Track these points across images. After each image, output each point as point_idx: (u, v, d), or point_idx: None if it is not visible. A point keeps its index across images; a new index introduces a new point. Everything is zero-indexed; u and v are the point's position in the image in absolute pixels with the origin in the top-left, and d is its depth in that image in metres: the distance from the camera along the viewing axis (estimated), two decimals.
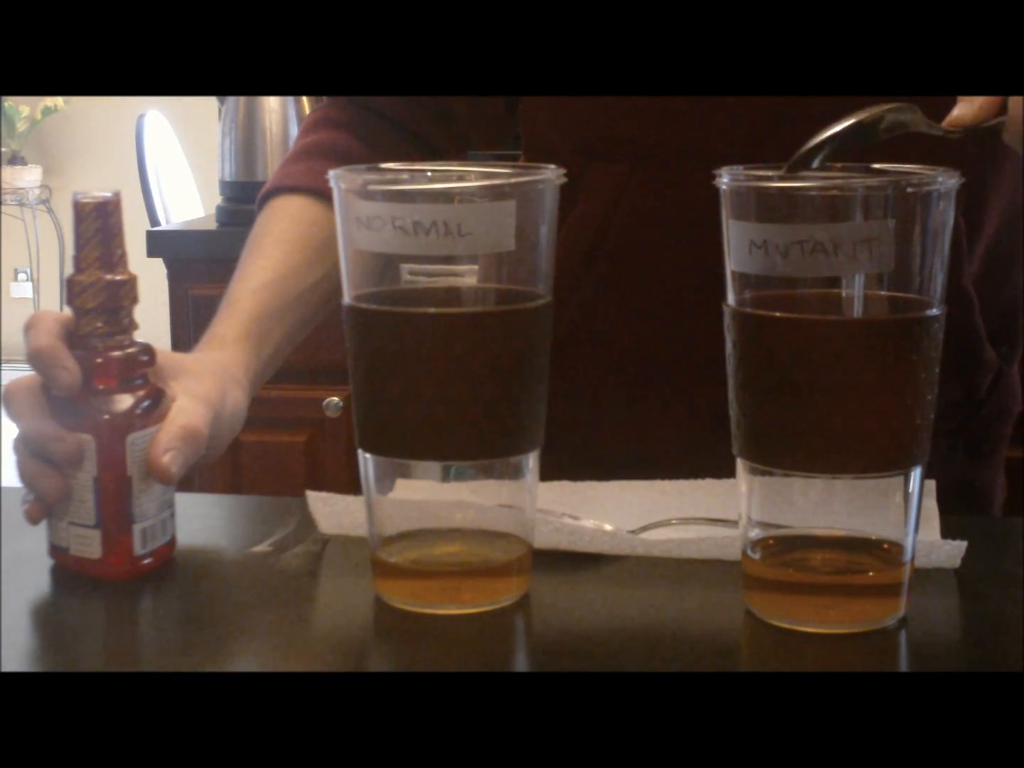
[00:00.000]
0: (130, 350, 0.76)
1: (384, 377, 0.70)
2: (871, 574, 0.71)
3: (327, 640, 0.72)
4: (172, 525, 0.79)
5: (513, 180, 0.70)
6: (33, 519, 0.77)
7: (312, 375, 2.12)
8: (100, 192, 0.75)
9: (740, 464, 0.71)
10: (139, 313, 0.77)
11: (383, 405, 0.70)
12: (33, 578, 0.77)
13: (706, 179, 0.70)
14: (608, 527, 0.81)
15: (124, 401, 0.75)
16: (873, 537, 0.71)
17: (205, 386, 0.81)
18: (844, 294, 0.68)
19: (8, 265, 4.92)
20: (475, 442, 0.70)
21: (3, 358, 4.37)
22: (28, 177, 4.71)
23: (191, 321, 2.23)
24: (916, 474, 0.69)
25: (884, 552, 0.70)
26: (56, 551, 0.77)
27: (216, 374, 0.84)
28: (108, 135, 4.67)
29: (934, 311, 0.68)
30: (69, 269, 0.76)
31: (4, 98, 4.57)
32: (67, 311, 0.77)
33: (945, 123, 0.77)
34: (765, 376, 0.68)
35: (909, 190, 0.66)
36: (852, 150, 0.71)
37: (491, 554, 0.74)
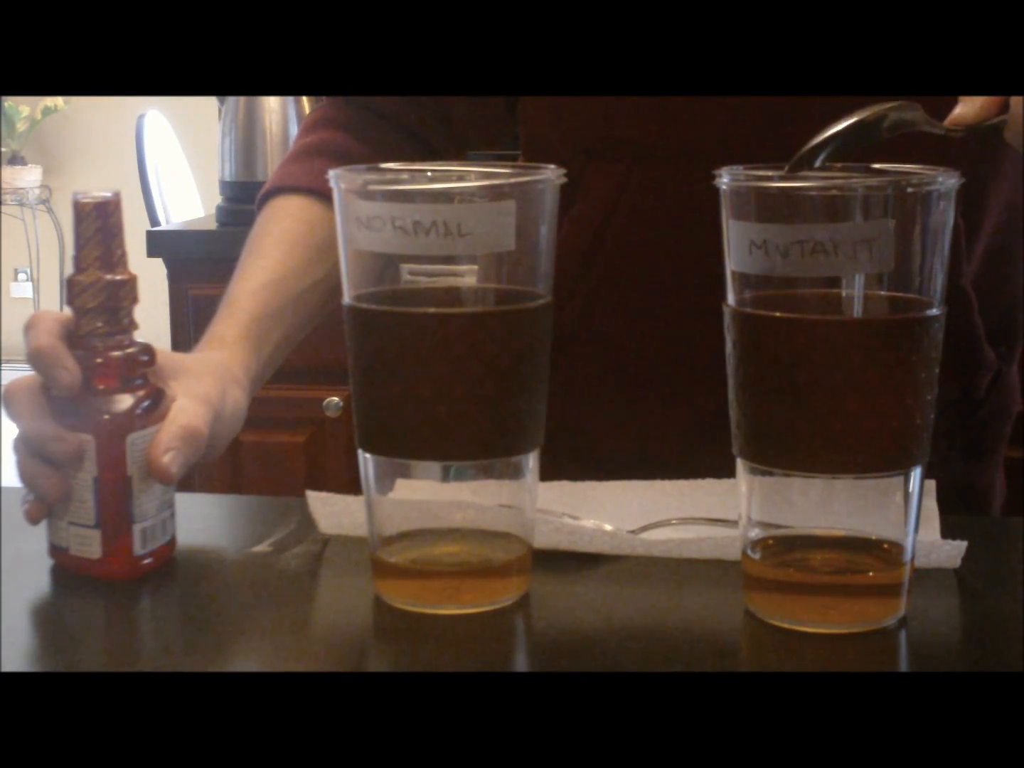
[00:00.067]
0: (130, 350, 0.76)
1: (384, 377, 0.70)
2: (871, 574, 0.71)
3: (327, 640, 0.72)
4: (172, 525, 0.79)
5: (513, 180, 0.70)
6: (33, 519, 0.77)
7: (312, 375, 2.12)
8: (100, 192, 0.75)
9: (740, 464, 0.71)
10: (139, 313, 0.77)
11: (383, 405, 0.70)
12: (33, 578, 0.77)
13: (706, 179, 0.70)
14: (608, 527, 0.81)
15: (124, 401, 0.75)
16: (873, 537, 0.71)
17: (205, 386, 0.81)
18: (844, 294, 0.68)
19: (8, 265, 4.92)
20: (475, 442, 0.70)
21: (3, 358, 4.37)
22: (28, 177, 4.71)
23: (191, 321, 2.23)
24: (916, 474, 0.69)
25: (884, 552, 0.70)
26: (56, 551, 0.77)
27: (216, 374, 0.84)
28: (108, 135, 4.67)
29: (934, 311, 0.68)
30: (69, 269, 0.76)
31: (4, 98, 4.57)
32: (67, 311, 0.77)
33: (947, 122, 0.77)
34: (765, 376, 0.68)
35: (909, 190, 0.66)
36: (854, 149, 0.71)
37: (491, 554, 0.74)
